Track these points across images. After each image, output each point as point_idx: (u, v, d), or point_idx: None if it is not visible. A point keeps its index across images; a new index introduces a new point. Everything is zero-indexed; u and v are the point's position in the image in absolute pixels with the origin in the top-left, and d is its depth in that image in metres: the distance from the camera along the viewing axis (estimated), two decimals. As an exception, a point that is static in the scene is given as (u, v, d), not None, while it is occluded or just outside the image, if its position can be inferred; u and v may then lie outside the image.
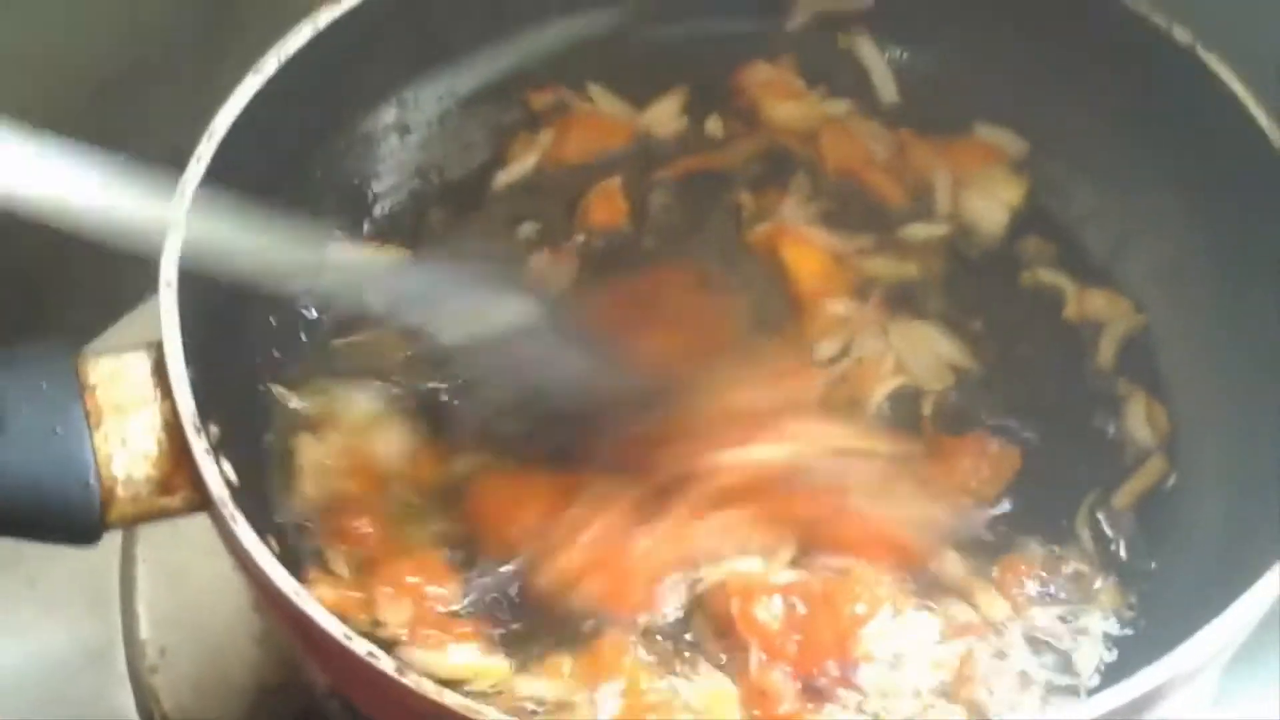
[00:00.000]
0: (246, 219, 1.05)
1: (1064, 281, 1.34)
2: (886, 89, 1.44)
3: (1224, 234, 1.27)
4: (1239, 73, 1.21)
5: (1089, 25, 1.30)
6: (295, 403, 1.26)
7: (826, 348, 1.30)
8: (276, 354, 1.27)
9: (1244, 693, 1.20)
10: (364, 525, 1.19)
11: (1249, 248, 1.23)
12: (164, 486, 1.04)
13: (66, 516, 1.02)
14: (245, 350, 1.25)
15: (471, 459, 1.24)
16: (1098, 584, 1.19)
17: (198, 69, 1.49)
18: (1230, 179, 1.24)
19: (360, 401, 1.26)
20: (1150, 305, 1.33)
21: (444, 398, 1.26)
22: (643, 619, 1.16)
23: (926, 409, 1.27)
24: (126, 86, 1.46)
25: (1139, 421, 1.27)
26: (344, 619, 0.97)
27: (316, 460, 1.23)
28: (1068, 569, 1.19)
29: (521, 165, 1.41)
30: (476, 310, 1.16)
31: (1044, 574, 1.19)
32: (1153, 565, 1.20)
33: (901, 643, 1.14)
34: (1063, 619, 1.17)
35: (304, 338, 1.30)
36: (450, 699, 0.93)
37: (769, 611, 1.14)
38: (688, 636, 1.15)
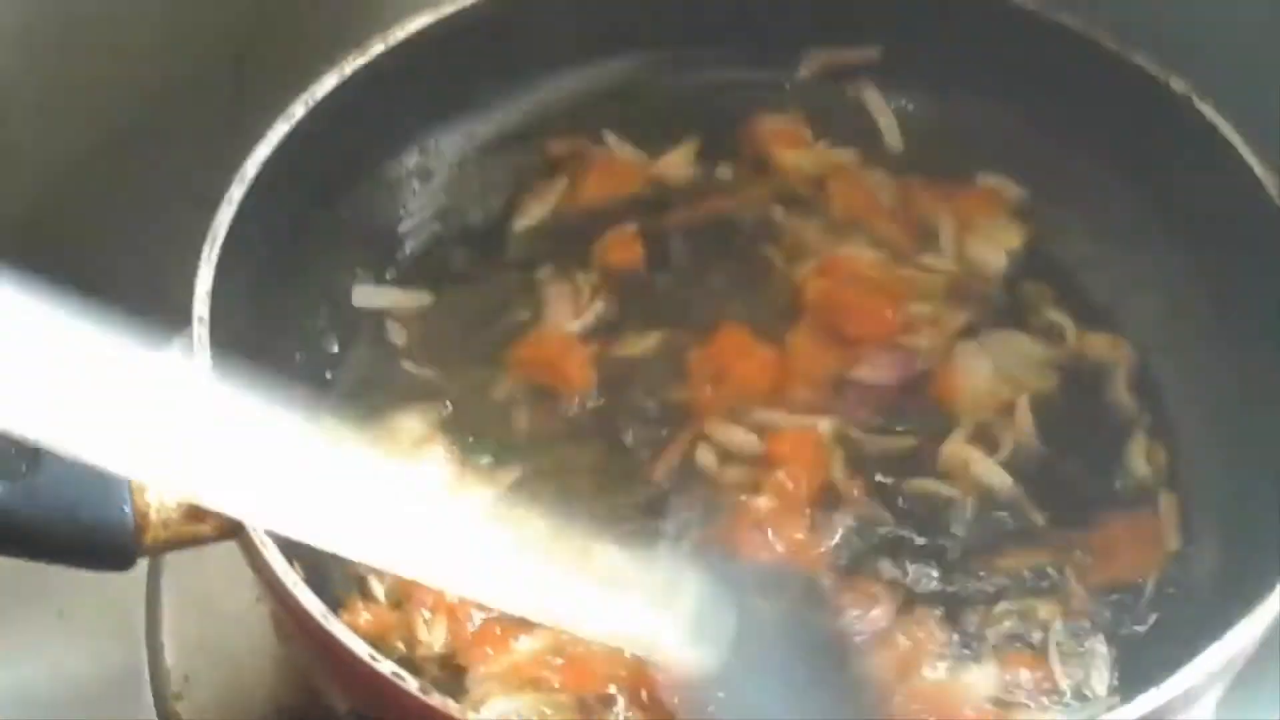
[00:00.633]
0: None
1: (1065, 322, 1.36)
2: (892, 137, 1.47)
3: (1222, 279, 1.29)
4: (1235, 122, 1.24)
5: (1088, 76, 1.33)
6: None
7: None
8: (305, 386, 1.30)
9: (1245, 707, 1.21)
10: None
11: (1247, 293, 1.25)
12: (195, 514, 1.06)
13: (102, 543, 1.03)
14: (272, 382, 1.27)
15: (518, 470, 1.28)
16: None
17: (222, 118, 1.52)
18: (1227, 226, 1.26)
19: (402, 422, 1.30)
20: (1150, 347, 1.35)
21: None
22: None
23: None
24: (153, 134, 1.48)
25: (1138, 457, 1.29)
26: (382, 644, 0.99)
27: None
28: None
29: (539, 209, 1.45)
30: None
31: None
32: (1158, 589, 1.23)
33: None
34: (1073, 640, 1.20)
35: (329, 375, 1.34)
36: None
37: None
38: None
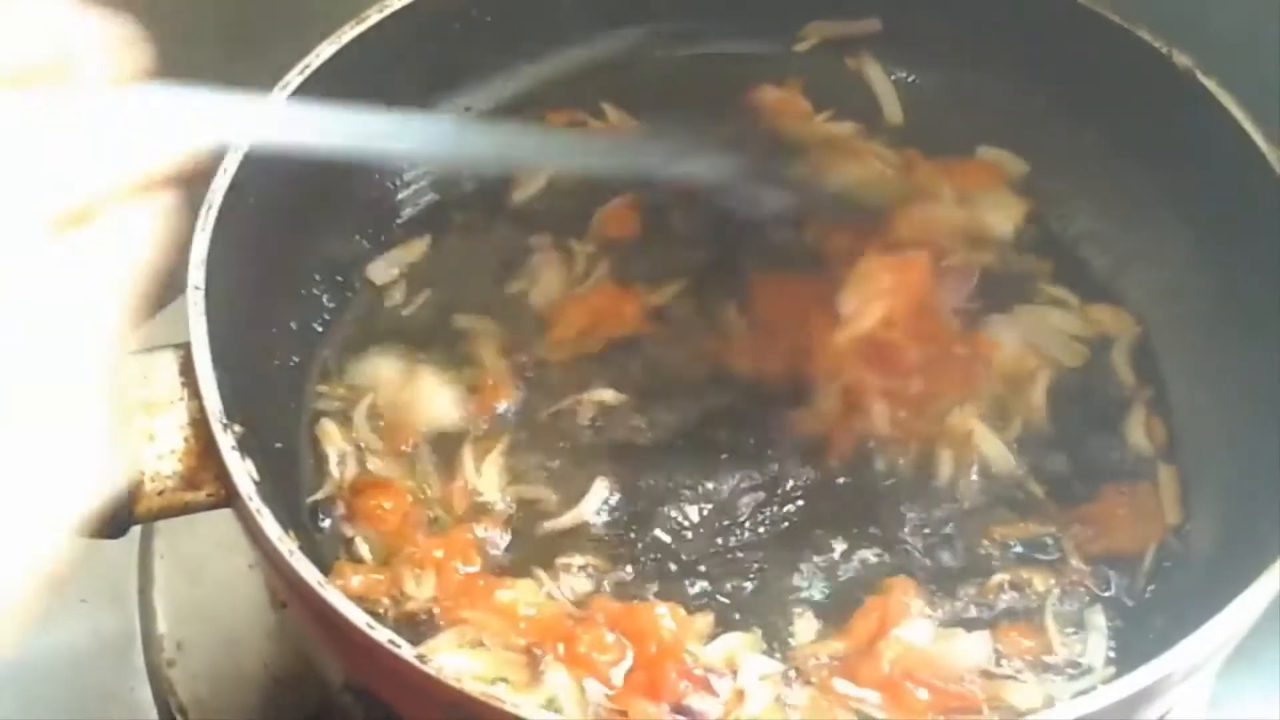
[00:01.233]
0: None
1: (1066, 296, 1.36)
2: (892, 111, 1.47)
3: (1223, 253, 1.29)
4: (1238, 96, 1.23)
5: (1090, 49, 1.32)
6: (322, 396, 1.30)
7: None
8: (298, 355, 1.31)
9: (1241, 693, 1.21)
10: (389, 504, 1.23)
11: (1248, 267, 1.25)
12: (190, 482, 1.07)
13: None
14: (268, 351, 1.28)
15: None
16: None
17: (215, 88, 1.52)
18: (1229, 200, 1.26)
19: (386, 368, 1.31)
20: (1151, 320, 1.35)
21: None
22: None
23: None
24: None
25: (1138, 430, 1.29)
26: (370, 601, 0.99)
27: (341, 446, 1.27)
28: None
29: (536, 181, 1.44)
30: None
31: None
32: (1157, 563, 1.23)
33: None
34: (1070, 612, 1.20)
35: (325, 336, 1.34)
36: (471, 687, 0.95)
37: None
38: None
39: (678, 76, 1.48)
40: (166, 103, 0.81)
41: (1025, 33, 1.37)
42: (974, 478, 1.26)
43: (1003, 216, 1.40)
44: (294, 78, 1.24)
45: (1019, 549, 1.23)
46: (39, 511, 0.71)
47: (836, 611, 1.19)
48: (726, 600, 1.20)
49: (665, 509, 1.24)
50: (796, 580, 1.22)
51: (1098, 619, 1.19)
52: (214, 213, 1.14)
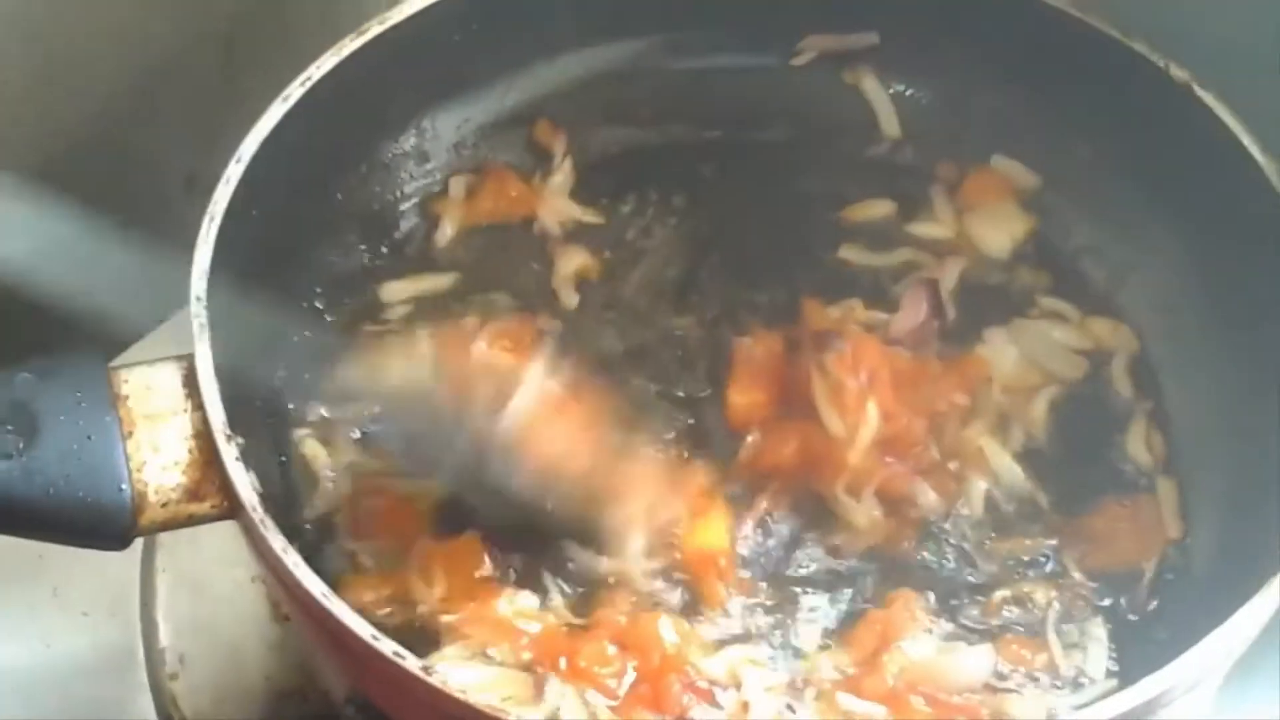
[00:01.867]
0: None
1: (1064, 309, 1.37)
2: (889, 124, 1.47)
3: (1222, 266, 1.29)
4: (1236, 110, 1.24)
5: (1088, 63, 1.33)
6: (322, 408, 1.29)
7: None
8: (300, 367, 1.30)
9: (1241, 703, 1.22)
10: (392, 514, 1.24)
11: (1247, 280, 1.25)
12: (193, 493, 1.07)
13: (99, 521, 1.04)
14: (270, 363, 1.27)
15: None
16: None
17: (212, 100, 1.52)
18: (1227, 213, 1.26)
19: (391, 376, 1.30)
20: (1150, 333, 1.35)
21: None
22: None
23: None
24: (142, 116, 1.48)
25: (1138, 443, 1.29)
26: (375, 609, 0.99)
27: (345, 459, 1.27)
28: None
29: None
30: None
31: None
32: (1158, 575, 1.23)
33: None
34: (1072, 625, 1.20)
35: (326, 348, 1.33)
36: (475, 698, 0.95)
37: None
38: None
39: (676, 89, 1.48)
40: None
41: (1021, 46, 1.37)
42: (979, 492, 1.26)
43: (1002, 231, 1.40)
44: (295, 89, 1.24)
45: (1019, 562, 1.23)
46: None
47: (841, 625, 1.20)
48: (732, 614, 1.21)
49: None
50: (800, 593, 1.22)
51: (1099, 632, 1.19)
52: (216, 224, 1.15)
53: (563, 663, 1.13)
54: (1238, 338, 1.27)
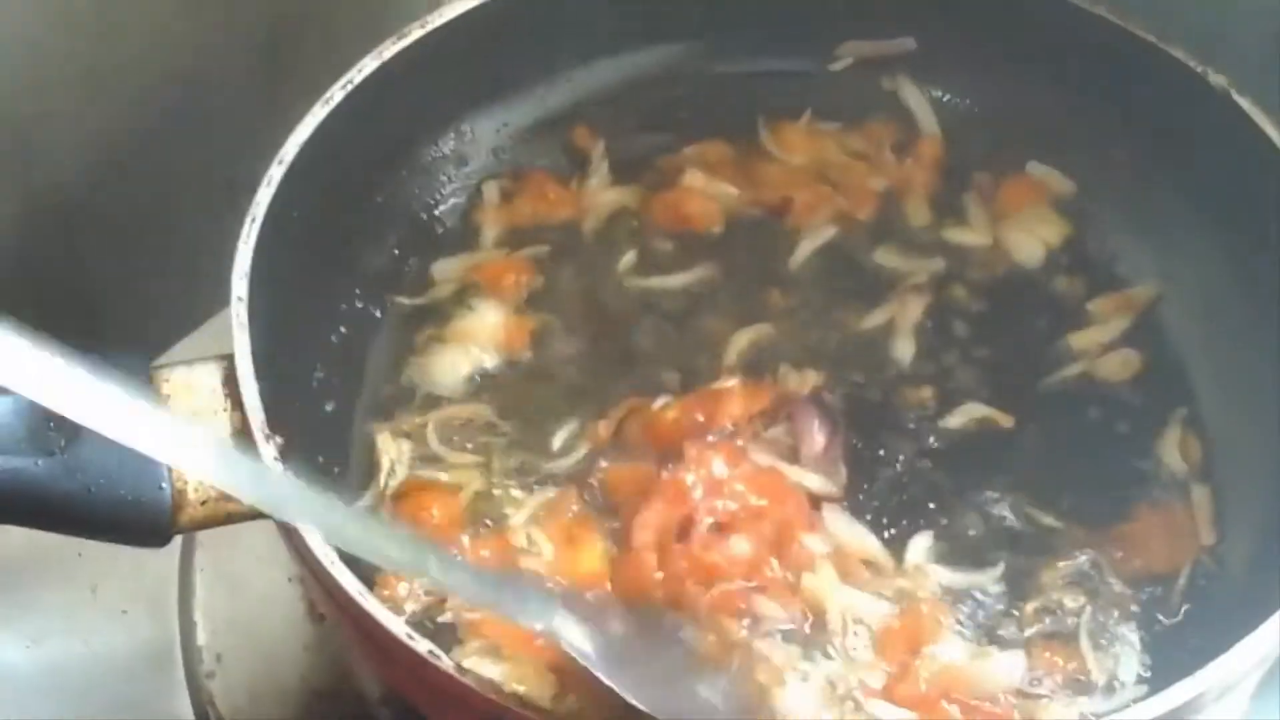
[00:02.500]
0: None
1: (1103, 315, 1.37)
2: (928, 128, 1.47)
3: (1258, 272, 1.28)
4: (1273, 115, 1.24)
5: (1125, 69, 1.33)
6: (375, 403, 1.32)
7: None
8: (339, 366, 1.32)
9: (1278, 702, 1.21)
10: (437, 508, 1.25)
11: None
12: (232, 491, 1.08)
13: (140, 518, 1.05)
14: (309, 363, 1.29)
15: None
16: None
17: (255, 103, 1.53)
18: (1264, 218, 1.26)
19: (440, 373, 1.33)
20: (1185, 339, 1.35)
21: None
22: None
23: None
24: (186, 120, 1.49)
25: (1173, 450, 1.29)
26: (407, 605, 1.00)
27: (395, 452, 1.28)
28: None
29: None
30: None
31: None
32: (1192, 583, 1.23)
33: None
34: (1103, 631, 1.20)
35: (367, 346, 1.35)
36: (507, 697, 0.96)
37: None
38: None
39: (713, 94, 1.49)
40: None
41: (1058, 52, 1.38)
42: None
43: (1037, 237, 1.41)
44: (336, 92, 1.25)
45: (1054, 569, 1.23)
46: None
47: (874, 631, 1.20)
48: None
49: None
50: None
51: (1131, 637, 1.19)
52: (258, 225, 1.16)
53: None
54: (1275, 344, 1.26)
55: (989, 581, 1.22)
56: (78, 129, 1.43)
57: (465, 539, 1.23)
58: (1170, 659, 1.17)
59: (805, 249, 1.41)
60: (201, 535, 1.30)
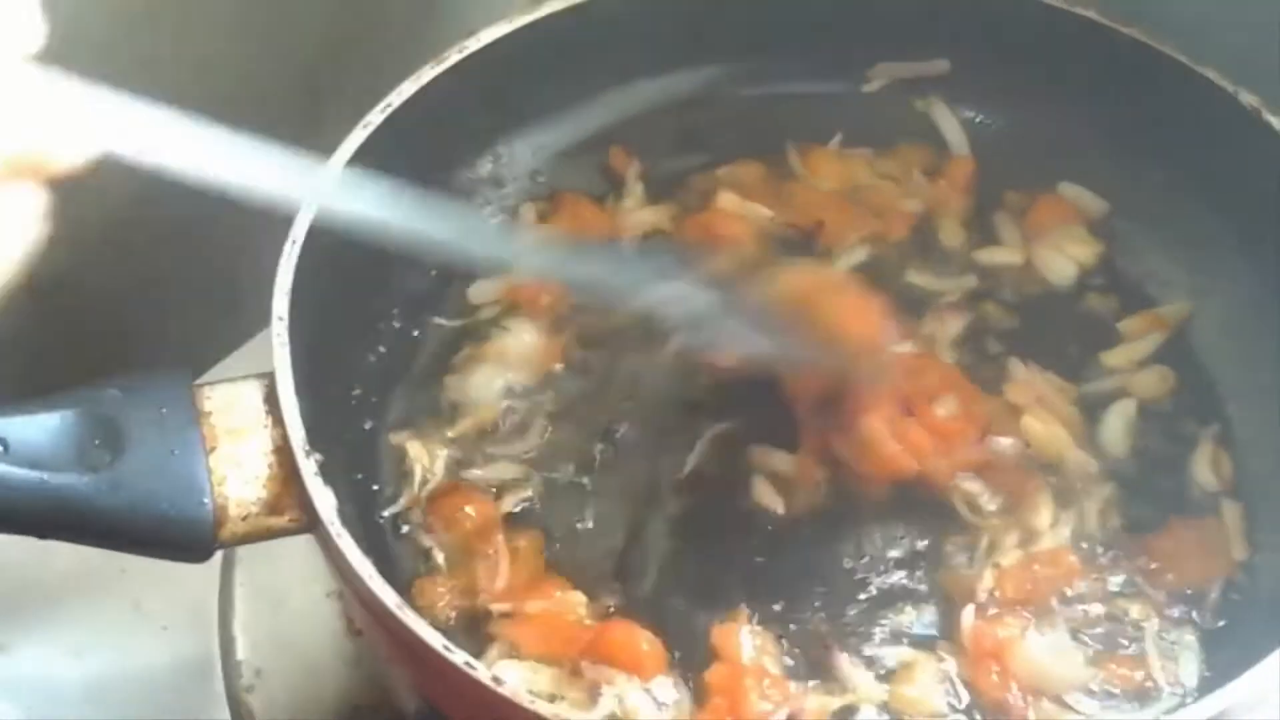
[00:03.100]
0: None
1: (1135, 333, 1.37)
2: (960, 150, 1.48)
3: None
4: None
5: (1157, 89, 1.34)
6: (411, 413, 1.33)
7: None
8: (377, 385, 1.33)
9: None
10: (472, 509, 1.27)
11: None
12: (273, 507, 1.09)
13: (182, 533, 1.06)
14: (348, 380, 1.31)
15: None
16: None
17: (294, 126, 1.54)
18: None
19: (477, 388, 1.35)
20: (1217, 358, 1.35)
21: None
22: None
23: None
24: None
25: (1204, 466, 1.29)
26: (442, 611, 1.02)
27: (428, 460, 1.30)
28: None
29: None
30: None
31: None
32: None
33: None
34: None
35: (402, 371, 1.36)
36: (545, 709, 0.97)
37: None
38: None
39: (747, 116, 1.50)
40: (61, 95, 0.78)
41: (1091, 73, 1.38)
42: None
43: (1069, 257, 1.41)
44: (375, 116, 1.27)
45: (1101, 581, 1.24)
46: None
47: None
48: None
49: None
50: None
51: (1155, 649, 1.19)
52: (298, 246, 1.17)
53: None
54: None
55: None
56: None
57: (499, 537, 1.25)
58: (1203, 674, 1.17)
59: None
60: (241, 551, 1.31)
